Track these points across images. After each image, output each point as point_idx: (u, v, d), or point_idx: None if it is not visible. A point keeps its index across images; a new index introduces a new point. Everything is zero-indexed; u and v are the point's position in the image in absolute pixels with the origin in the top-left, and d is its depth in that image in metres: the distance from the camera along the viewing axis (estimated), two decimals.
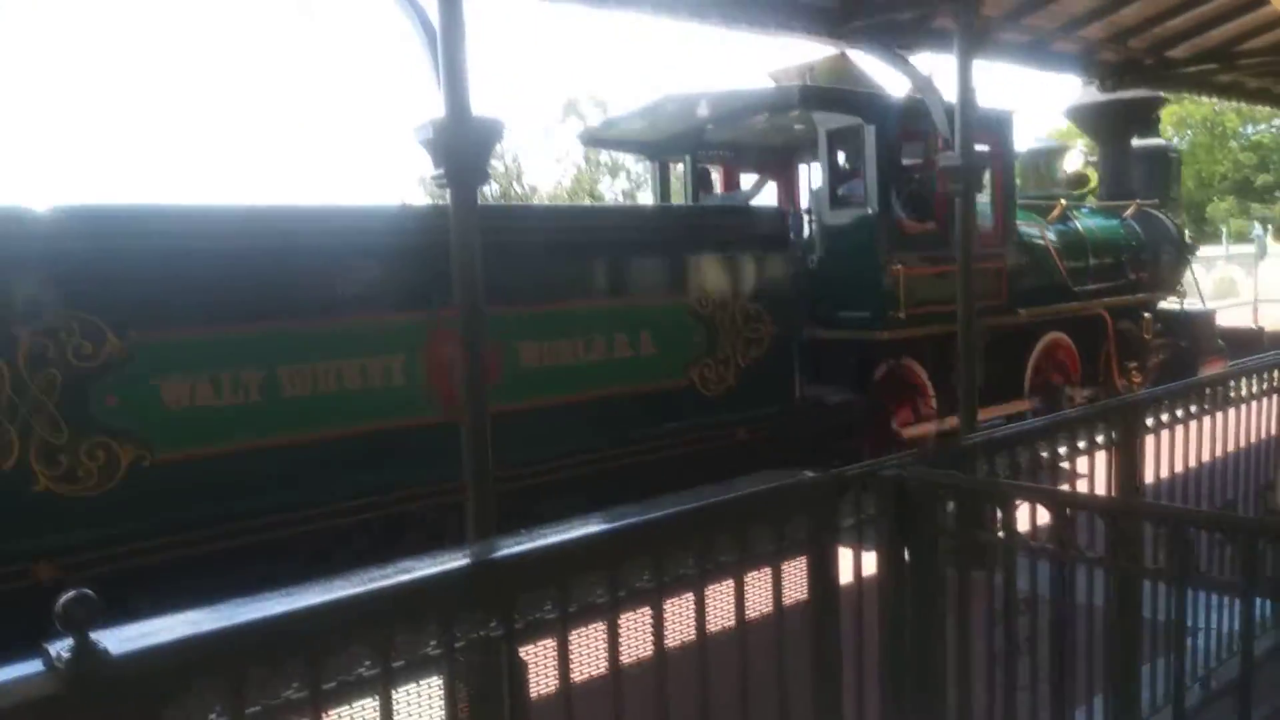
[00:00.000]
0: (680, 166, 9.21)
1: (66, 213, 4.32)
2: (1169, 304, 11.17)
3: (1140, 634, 3.41)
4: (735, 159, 9.40)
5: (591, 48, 70.55)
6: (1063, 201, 10.00)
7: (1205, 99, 10.94)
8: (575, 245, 5.99)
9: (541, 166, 33.27)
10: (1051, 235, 9.44)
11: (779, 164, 9.57)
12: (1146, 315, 10.39)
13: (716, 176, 9.46)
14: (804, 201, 9.30)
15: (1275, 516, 4.59)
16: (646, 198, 35.28)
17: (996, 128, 8.34)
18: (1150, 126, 12.12)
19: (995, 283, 8.35)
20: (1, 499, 4.09)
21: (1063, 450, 3.45)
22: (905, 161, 7.81)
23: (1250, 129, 50.31)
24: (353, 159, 63.56)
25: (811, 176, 9.34)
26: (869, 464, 2.81)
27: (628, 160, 34.92)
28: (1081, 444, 3.53)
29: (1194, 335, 10.85)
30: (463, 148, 3.61)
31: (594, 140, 10.26)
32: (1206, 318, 11.33)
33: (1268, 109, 13.13)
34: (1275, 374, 4.68)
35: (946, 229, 7.54)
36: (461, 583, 1.95)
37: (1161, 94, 11.09)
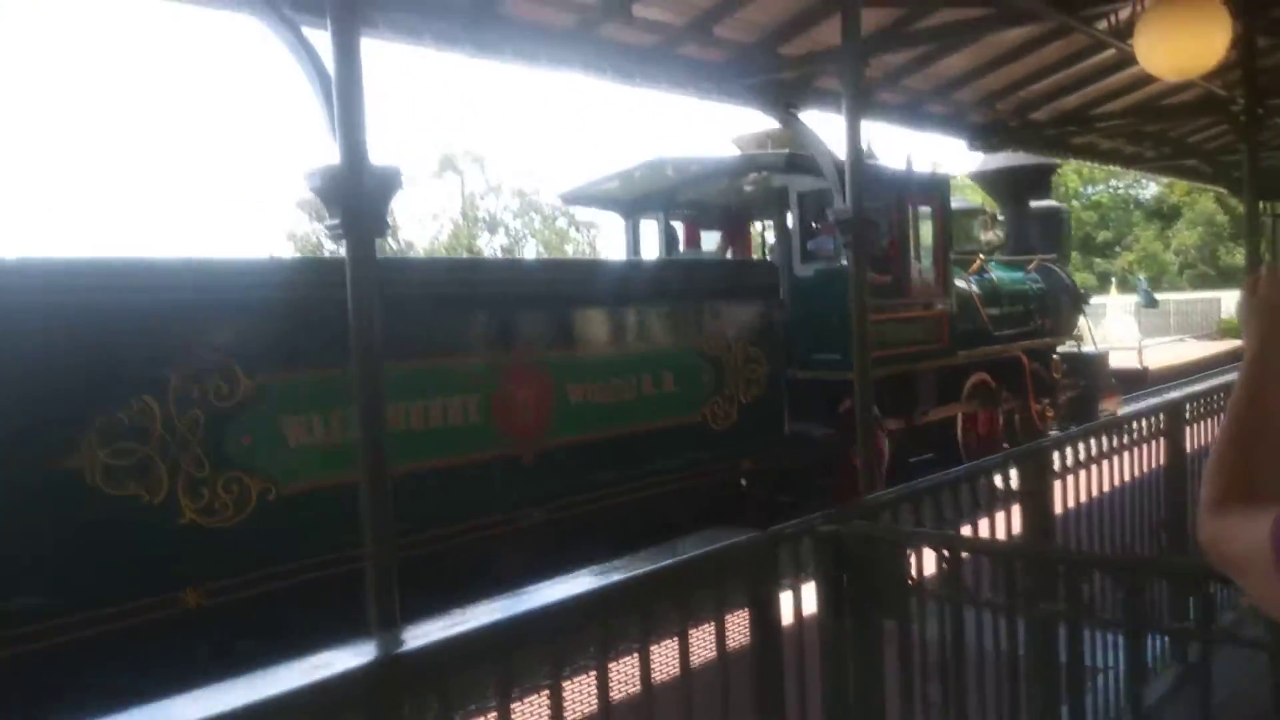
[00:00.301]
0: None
1: (200, 266, 4.85)
2: (1067, 348, 12.22)
3: (1057, 678, 3.41)
4: (696, 217, 10.04)
5: (465, 101, 70.54)
6: (981, 256, 10.85)
7: (1062, 159, 11.51)
8: (611, 295, 6.58)
9: (416, 222, 32.90)
10: (974, 286, 10.25)
11: (734, 221, 10.23)
12: (1055, 357, 11.49)
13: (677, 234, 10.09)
14: (754, 254, 10.46)
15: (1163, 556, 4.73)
16: (527, 253, 35.28)
17: (936, 190, 9.37)
18: (1044, 189, 13.18)
19: (939, 329, 9.25)
20: (153, 530, 4.36)
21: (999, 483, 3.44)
22: None
23: (1090, 189, 54.01)
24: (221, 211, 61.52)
25: (767, 233, 10.40)
26: (805, 520, 2.71)
27: (506, 217, 34.88)
28: (1000, 486, 3.53)
29: (1092, 375, 11.99)
30: (360, 197, 3.43)
31: (574, 199, 10.63)
32: (1101, 359, 12.59)
33: (1105, 170, 14.07)
34: (1162, 417, 4.84)
35: (900, 280, 8.78)
36: (401, 671, 1.75)
37: (1055, 160, 12.15)
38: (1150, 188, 52.95)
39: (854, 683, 2.68)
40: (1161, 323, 30.63)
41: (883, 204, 8.35)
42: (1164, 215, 54.50)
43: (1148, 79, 8.73)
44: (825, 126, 6.58)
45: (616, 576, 2.21)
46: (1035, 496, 3.80)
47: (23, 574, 4.07)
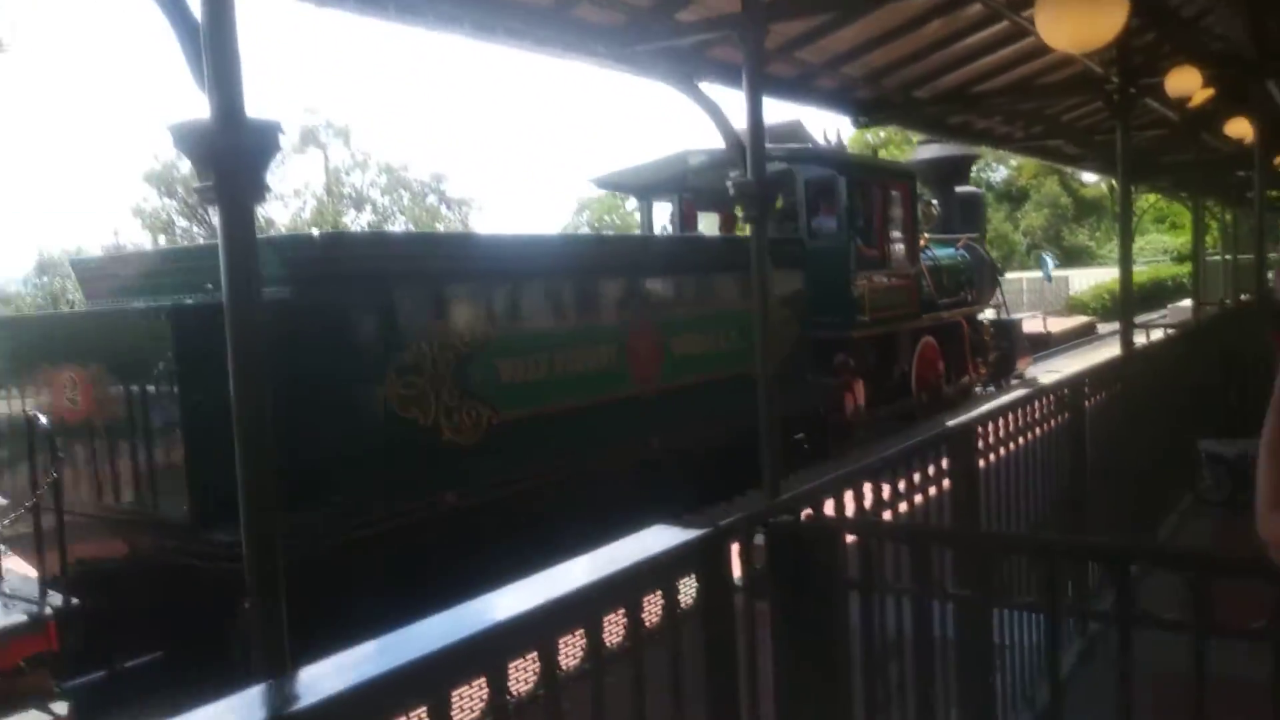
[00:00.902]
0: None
1: (458, 237, 7.77)
2: (987, 315, 14.09)
3: (992, 660, 3.32)
4: (704, 200, 11.16)
5: (325, 69, 67.75)
6: (926, 235, 11.97)
7: (941, 138, 11.75)
8: (693, 266, 8.01)
9: (276, 199, 31.18)
10: (923, 262, 11.65)
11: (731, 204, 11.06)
12: (985, 323, 13.40)
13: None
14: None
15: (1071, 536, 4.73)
16: (395, 227, 33.99)
17: (907, 178, 11.21)
18: (965, 177, 14.90)
19: (911, 295, 11.02)
20: (422, 446, 5.50)
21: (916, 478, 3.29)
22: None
23: None
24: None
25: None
26: (756, 511, 2.48)
27: (374, 194, 33.69)
28: (931, 470, 3.39)
29: (1011, 338, 14.04)
30: (237, 155, 3.00)
31: (605, 184, 12.03)
32: (1017, 325, 14.67)
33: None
34: (1066, 391, 4.84)
35: (884, 255, 10.41)
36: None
37: (974, 152, 14.21)
38: (1000, 171, 55.28)
39: (806, 674, 2.48)
40: (1014, 300, 31.96)
41: (868, 188, 10.13)
42: (1012, 198, 57.04)
43: (1025, 58, 8.92)
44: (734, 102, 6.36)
45: (560, 590, 1.92)
46: (964, 475, 3.69)
47: (346, 476, 5.20)
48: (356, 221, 33.39)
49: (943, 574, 2.35)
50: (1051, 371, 15.37)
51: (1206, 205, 16.54)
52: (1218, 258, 21.68)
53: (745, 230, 11.10)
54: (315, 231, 7.70)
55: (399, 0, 4.90)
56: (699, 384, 7.61)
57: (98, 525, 5.13)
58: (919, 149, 13.73)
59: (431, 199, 35.24)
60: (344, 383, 5.29)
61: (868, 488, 3.01)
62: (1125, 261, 8.20)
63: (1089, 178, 42.42)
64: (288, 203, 32.51)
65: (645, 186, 11.03)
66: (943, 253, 12.48)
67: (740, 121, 5.51)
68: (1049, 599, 2.18)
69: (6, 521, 4.23)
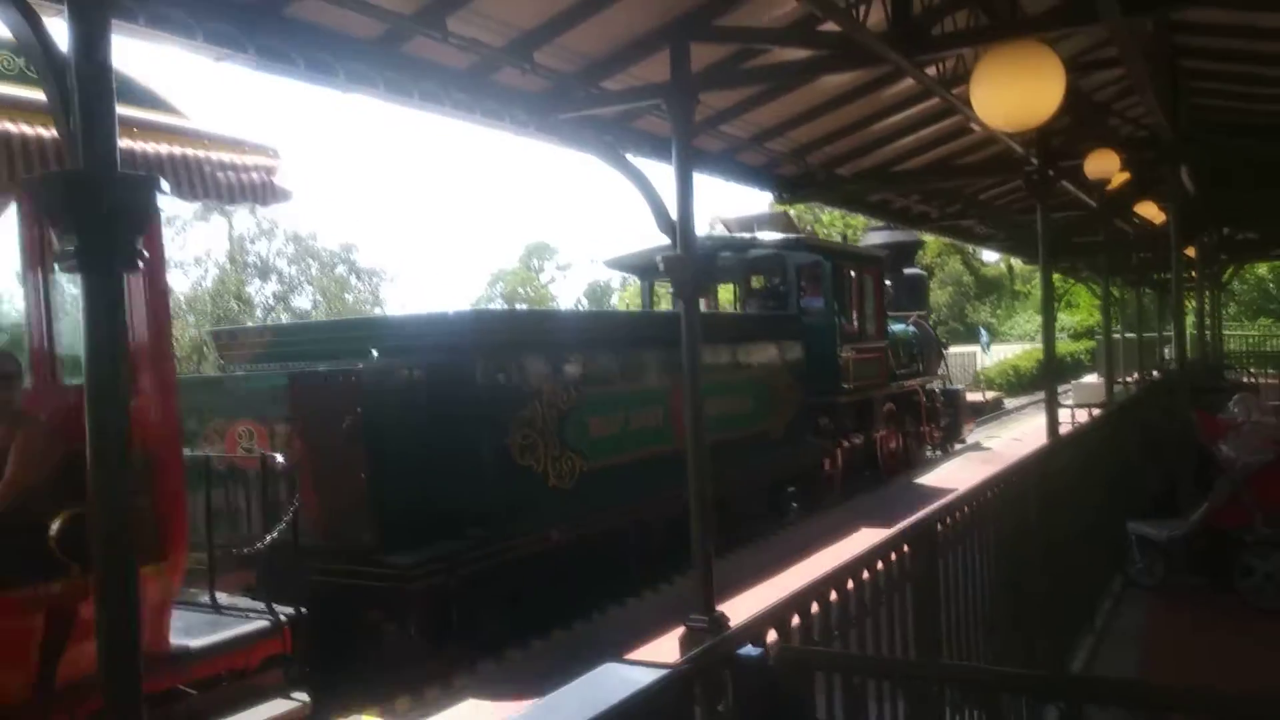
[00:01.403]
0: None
1: (559, 313, 13.49)
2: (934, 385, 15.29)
3: None
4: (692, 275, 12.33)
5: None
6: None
7: (864, 215, 11.83)
8: (722, 336, 9.23)
9: (177, 267, 29.83)
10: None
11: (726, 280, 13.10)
12: (936, 390, 14.81)
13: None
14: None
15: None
16: (302, 302, 32.99)
17: (877, 263, 12.53)
18: (911, 259, 16.49)
19: (880, 366, 12.46)
20: (535, 489, 6.69)
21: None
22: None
23: None
24: None
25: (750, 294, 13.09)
26: (720, 642, 2.10)
27: (280, 263, 32.85)
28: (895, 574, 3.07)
29: (956, 406, 15.41)
30: (104, 216, 2.56)
31: (614, 265, 13.25)
32: (961, 394, 16.14)
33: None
34: (1014, 478, 4.61)
35: (861, 330, 11.91)
36: None
37: (918, 238, 16.05)
38: None
39: None
40: None
41: (847, 272, 11.60)
42: None
43: (947, 138, 8.97)
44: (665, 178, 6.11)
45: None
46: (926, 577, 3.38)
47: (478, 514, 6.25)
48: (261, 292, 32.34)
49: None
50: (992, 437, 17.33)
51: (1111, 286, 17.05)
52: (1117, 336, 22.35)
53: (725, 304, 13.16)
54: (451, 310, 9.76)
55: (308, 58, 4.52)
56: (725, 441, 8.36)
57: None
58: (869, 234, 15.39)
59: (341, 269, 34.40)
60: (480, 434, 6.51)
61: (834, 596, 2.68)
62: (1049, 338, 8.18)
63: (989, 257, 43.94)
64: (188, 271, 31.32)
65: (647, 268, 11.59)
66: (898, 328, 13.71)
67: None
68: None
69: (247, 549, 4.89)
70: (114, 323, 2.59)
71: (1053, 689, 1.82)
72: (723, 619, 5.16)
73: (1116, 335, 17.46)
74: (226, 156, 3.95)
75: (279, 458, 4.96)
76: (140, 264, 2.56)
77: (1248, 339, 27.50)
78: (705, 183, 10.75)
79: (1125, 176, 8.25)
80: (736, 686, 2.07)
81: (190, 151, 3.85)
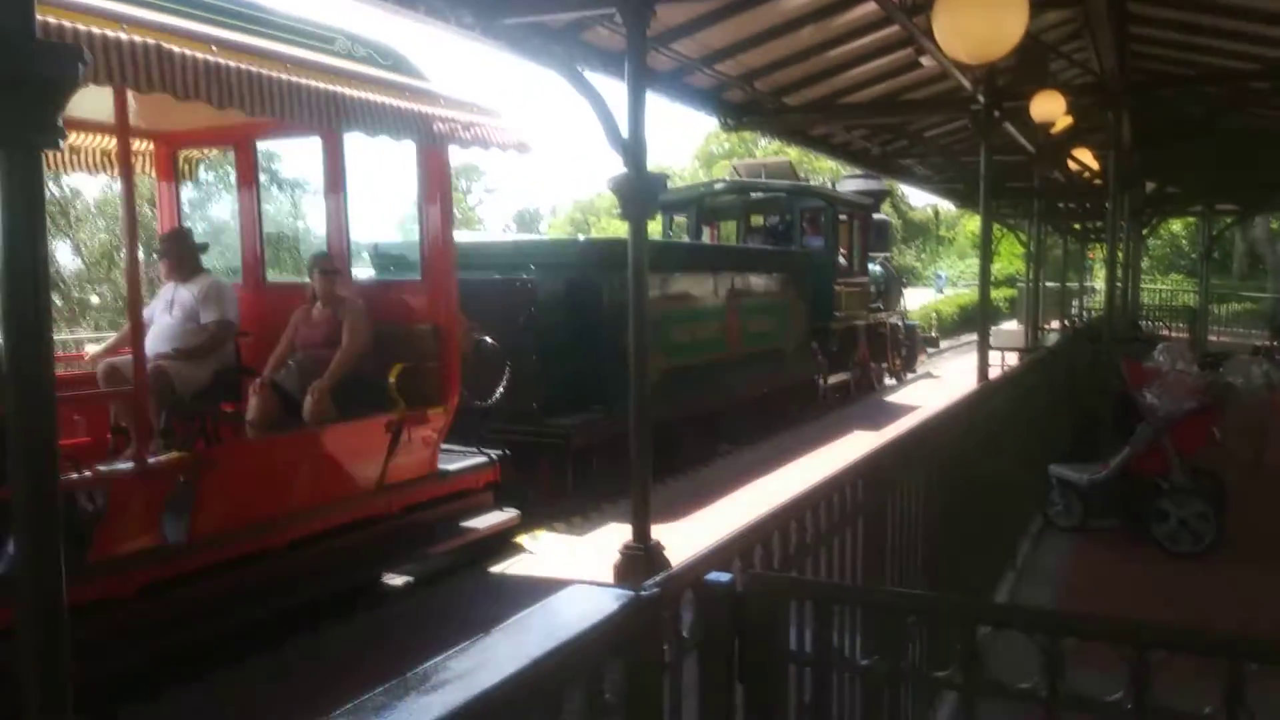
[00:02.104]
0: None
1: (657, 243, 10.11)
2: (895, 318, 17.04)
3: None
4: (707, 216, 14.29)
5: None
6: None
7: (803, 148, 11.70)
8: (760, 266, 11.58)
9: None
10: None
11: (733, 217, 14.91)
12: (897, 324, 16.59)
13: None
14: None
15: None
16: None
17: (865, 210, 14.68)
18: (879, 208, 18.18)
19: (862, 299, 14.58)
20: (595, 381, 8.22)
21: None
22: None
23: None
24: None
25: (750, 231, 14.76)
26: (687, 568, 2.00)
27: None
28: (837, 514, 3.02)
29: (913, 338, 17.42)
30: (20, 85, 2.28)
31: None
32: (916, 328, 18.09)
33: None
34: (949, 414, 4.61)
35: (850, 266, 14.04)
36: None
37: (887, 188, 18.76)
38: None
39: None
40: None
41: (841, 216, 13.61)
42: None
43: (895, 72, 8.87)
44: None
45: (476, 689, 1.39)
46: (875, 513, 3.34)
47: (601, 394, 8.12)
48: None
49: (913, 649, 1.95)
50: (939, 368, 19.18)
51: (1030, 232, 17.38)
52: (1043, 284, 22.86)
53: (727, 237, 14.78)
54: (583, 238, 13.70)
55: None
56: (757, 352, 11.08)
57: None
58: (844, 181, 17.43)
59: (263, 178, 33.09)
60: (601, 335, 8.20)
61: (793, 527, 2.61)
62: (985, 281, 8.23)
63: (916, 200, 44.43)
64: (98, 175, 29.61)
65: (671, 205, 14.02)
66: (872, 267, 15.55)
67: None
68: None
69: (479, 403, 6.77)
70: (35, 207, 2.33)
71: (1032, 621, 1.77)
72: (657, 547, 5.11)
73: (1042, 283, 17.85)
74: (494, 121, 5.53)
75: (489, 339, 6.77)
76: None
77: (1160, 293, 28.42)
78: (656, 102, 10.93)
79: (1069, 121, 8.26)
80: (704, 612, 1.98)
81: (477, 119, 5.43)
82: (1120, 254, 11.94)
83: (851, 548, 3.13)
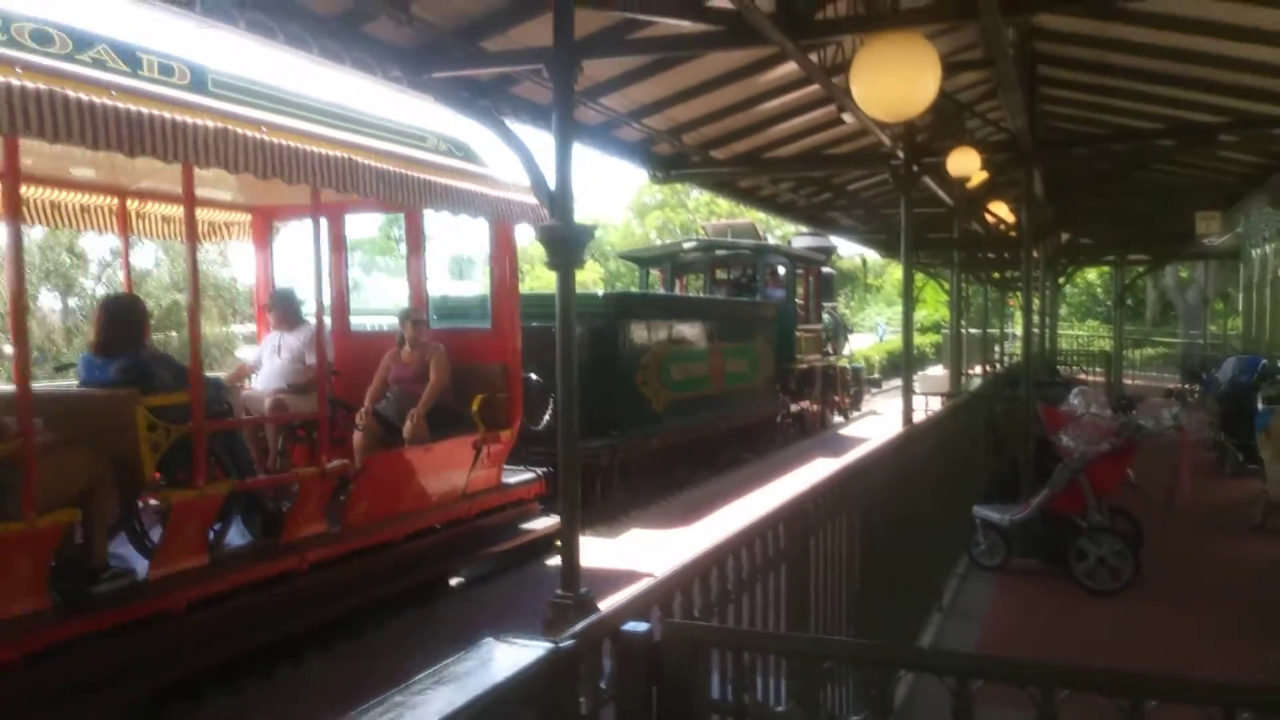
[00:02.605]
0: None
1: (663, 296, 13.78)
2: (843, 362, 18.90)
3: None
4: (680, 270, 16.03)
5: None
6: None
7: (730, 201, 11.91)
8: (735, 317, 13.41)
9: None
10: None
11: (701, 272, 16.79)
12: (845, 366, 18.46)
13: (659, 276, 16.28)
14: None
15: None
16: (140, 259, 30.69)
17: (818, 265, 16.92)
18: (827, 262, 19.53)
19: (817, 344, 16.48)
20: (644, 410, 10.36)
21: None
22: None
23: None
24: None
25: (715, 284, 16.64)
26: (605, 618, 2.01)
27: None
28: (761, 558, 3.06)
29: (860, 380, 19.70)
30: None
31: (623, 256, 18.32)
32: (863, 370, 20.82)
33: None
34: (873, 459, 4.70)
35: (807, 316, 16.02)
36: None
37: (832, 245, 20.13)
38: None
39: None
40: None
41: (799, 271, 15.75)
42: None
43: (818, 128, 9.12)
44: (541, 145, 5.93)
45: None
46: (799, 556, 3.38)
47: (620, 421, 9.86)
48: (97, 246, 30.17)
49: (836, 695, 1.98)
50: (881, 407, 20.74)
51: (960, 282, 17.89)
52: (963, 331, 23.47)
53: (696, 290, 16.71)
54: (602, 292, 14.40)
55: None
56: (736, 389, 12.91)
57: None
58: (796, 239, 19.44)
59: None
60: (619, 372, 10.11)
61: (714, 576, 2.64)
62: (908, 329, 8.43)
63: (845, 250, 45.35)
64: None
65: (647, 260, 16.48)
66: (823, 317, 17.59)
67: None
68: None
69: (534, 427, 8.35)
70: None
71: (942, 664, 1.82)
72: (588, 597, 5.09)
73: (963, 330, 18.34)
74: (520, 196, 6.56)
75: (534, 376, 8.21)
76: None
77: (1077, 338, 29.32)
78: (586, 154, 12.90)
79: (984, 176, 8.56)
80: (622, 662, 1.99)
81: (514, 196, 6.59)
82: (1037, 301, 12.33)
83: (775, 593, 3.17)
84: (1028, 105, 7.59)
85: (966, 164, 7.78)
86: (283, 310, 6.87)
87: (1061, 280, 20.79)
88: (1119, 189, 11.41)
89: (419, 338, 7.14)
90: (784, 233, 27.49)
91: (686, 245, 16.04)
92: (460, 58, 5.58)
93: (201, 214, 6.93)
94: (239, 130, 4.54)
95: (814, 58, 5.94)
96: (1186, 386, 17.93)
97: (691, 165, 8.94)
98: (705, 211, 30.83)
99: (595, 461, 9.25)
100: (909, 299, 8.39)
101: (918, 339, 31.79)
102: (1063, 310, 33.28)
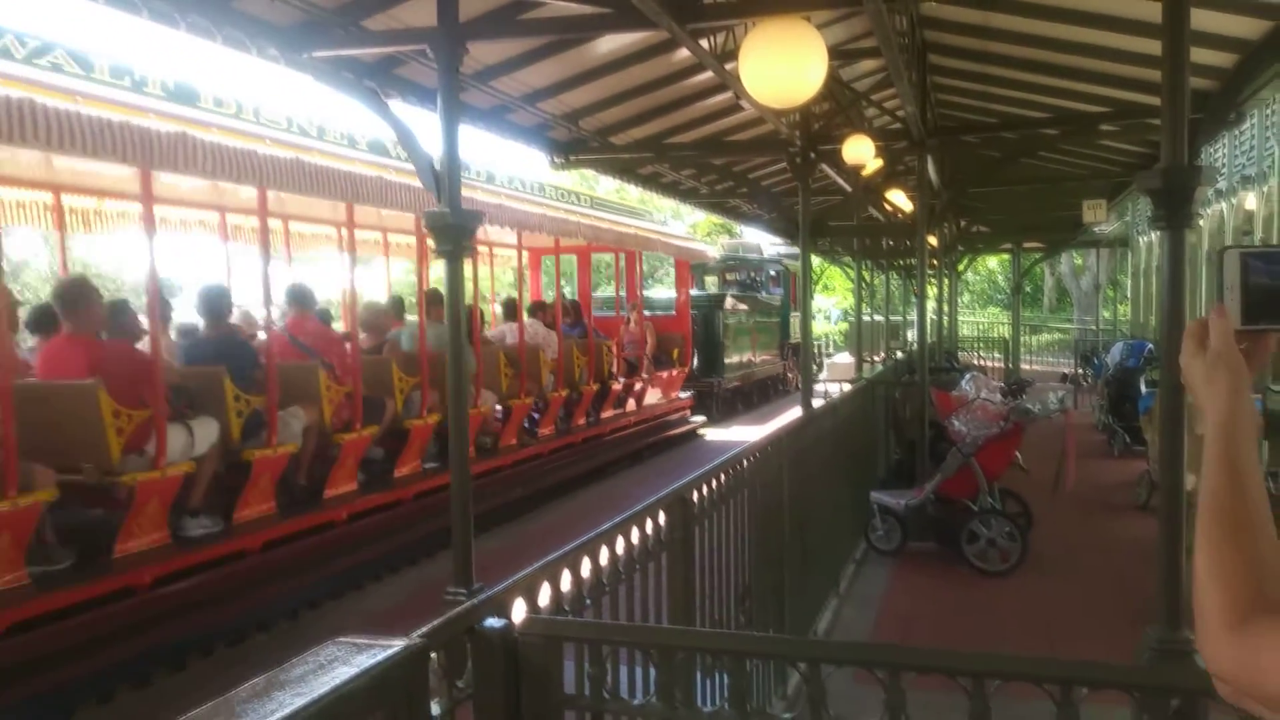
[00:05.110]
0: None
1: (733, 296, 19.32)
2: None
3: None
4: (699, 273, 19.88)
5: None
6: None
7: (634, 186, 11.87)
8: (762, 309, 20.71)
9: None
10: None
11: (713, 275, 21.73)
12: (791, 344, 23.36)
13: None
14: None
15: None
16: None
17: (787, 276, 21.92)
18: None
19: (779, 337, 21.63)
20: (723, 360, 17.37)
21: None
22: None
23: None
24: None
25: (727, 284, 21.63)
26: (460, 612, 1.93)
27: None
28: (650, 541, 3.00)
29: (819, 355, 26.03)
30: None
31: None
32: (822, 344, 28.84)
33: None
34: (769, 448, 4.69)
35: (796, 305, 19.65)
36: None
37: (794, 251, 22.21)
38: (680, 229, 58.26)
39: None
40: None
41: (787, 276, 21.82)
42: None
43: (719, 114, 9.10)
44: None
45: None
46: (682, 545, 3.34)
47: (713, 367, 17.15)
48: None
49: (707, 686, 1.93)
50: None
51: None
52: (867, 318, 23.93)
53: (710, 287, 21.13)
54: (705, 293, 18.72)
55: None
56: (758, 359, 19.46)
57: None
58: (771, 247, 23.42)
59: None
60: (716, 338, 17.03)
61: (586, 566, 2.57)
62: (806, 318, 8.49)
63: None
64: None
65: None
66: None
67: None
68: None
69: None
70: None
71: (791, 652, 1.79)
72: (480, 592, 4.97)
73: (867, 318, 18.66)
74: (694, 245, 17.03)
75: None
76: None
77: (978, 325, 30.13)
78: (484, 138, 13.34)
79: (880, 164, 8.67)
80: (477, 661, 1.91)
81: (690, 245, 16.56)
82: (934, 289, 12.57)
83: (655, 583, 3.12)
84: (919, 94, 7.69)
85: (861, 151, 7.84)
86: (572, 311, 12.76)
87: (961, 267, 21.29)
88: (1012, 177, 11.69)
89: (641, 318, 14.11)
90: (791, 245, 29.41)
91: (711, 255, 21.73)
92: (341, 36, 5.37)
93: (500, 251, 12.48)
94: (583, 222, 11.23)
95: (705, 43, 5.90)
96: (1080, 371, 18.56)
97: (591, 150, 8.83)
98: (617, 198, 30.77)
99: (710, 390, 16.58)
100: (807, 285, 8.47)
101: (825, 327, 32.31)
102: (965, 298, 34.17)
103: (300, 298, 7.97)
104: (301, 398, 7.02)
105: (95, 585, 5.24)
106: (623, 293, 14.75)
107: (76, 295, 5.84)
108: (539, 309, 11.62)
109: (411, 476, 8.20)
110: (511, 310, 11.01)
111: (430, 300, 8.93)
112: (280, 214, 8.59)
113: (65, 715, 5.06)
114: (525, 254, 11.64)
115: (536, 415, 10.55)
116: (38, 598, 4.93)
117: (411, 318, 9.71)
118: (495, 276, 13.52)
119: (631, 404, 13.21)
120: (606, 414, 12.28)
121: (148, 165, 5.39)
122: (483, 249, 11.10)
